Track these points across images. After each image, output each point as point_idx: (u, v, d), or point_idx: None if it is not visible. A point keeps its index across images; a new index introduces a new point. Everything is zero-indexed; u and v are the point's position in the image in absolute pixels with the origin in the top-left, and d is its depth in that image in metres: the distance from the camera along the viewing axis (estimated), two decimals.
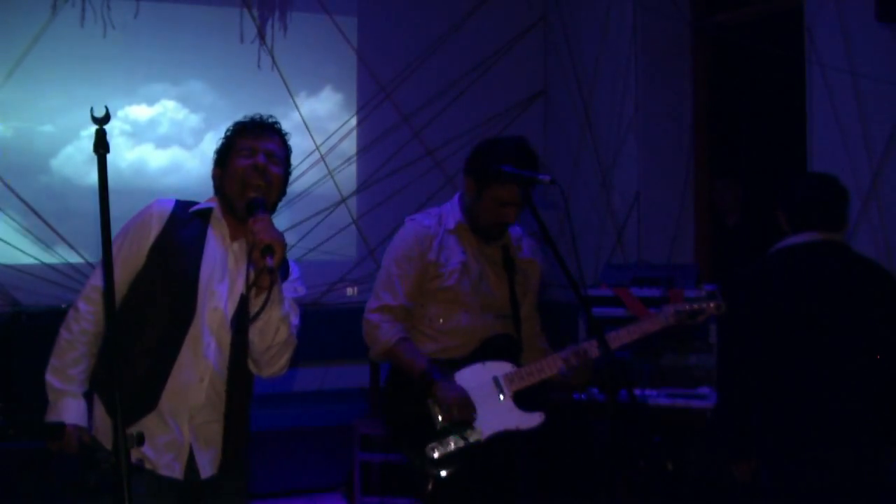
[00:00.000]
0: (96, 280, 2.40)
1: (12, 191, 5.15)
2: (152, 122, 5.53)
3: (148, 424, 2.28)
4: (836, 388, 3.04)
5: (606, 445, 3.99)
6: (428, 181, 5.92)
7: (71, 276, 5.14)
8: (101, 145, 1.70)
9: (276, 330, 2.34)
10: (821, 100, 4.36)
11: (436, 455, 2.82)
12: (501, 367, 2.92)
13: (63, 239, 5.16)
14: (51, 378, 2.37)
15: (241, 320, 2.39)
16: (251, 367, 2.43)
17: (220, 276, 2.42)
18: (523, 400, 2.94)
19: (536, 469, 4.37)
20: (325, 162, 5.88)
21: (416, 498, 3.14)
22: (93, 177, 1.65)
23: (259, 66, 5.70)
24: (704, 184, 5.61)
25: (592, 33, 5.85)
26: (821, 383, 3.05)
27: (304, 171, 5.72)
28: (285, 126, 2.56)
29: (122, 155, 5.37)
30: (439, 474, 2.83)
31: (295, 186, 5.70)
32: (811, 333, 3.09)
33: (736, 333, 3.16)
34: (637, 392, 3.89)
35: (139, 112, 5.51)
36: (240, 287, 2.41)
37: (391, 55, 6.00)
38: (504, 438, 2.89)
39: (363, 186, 6.01)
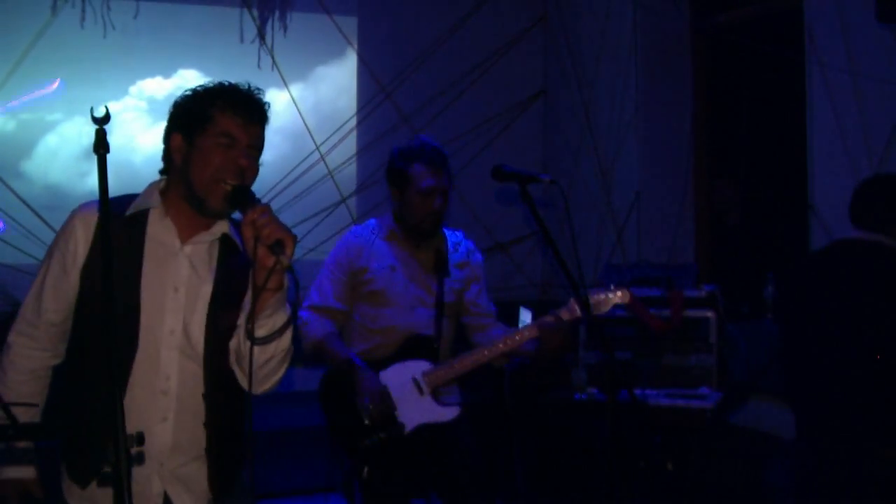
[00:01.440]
0: (28, 312, 2.12)
1: (12, 191, 5.15)
2: (150, 122, 5.55)
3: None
4: (831, 381, 3.11)
5: (606, 445, 3.99)
6: None
7: None
8: (101, 145, 1.68)
9: (280, 329, 2.00)
10: (821, 100, 4.35)
11: (367, 446, 3.00)
12: (420, 367, 3.09)
13: None
14: None
15: (215, 337, 2.05)
16: (242, 383, 2.04)
17: (173, 289, 2.04)
18: (442, 394, 3.14)
19: (536, 469, 4.37)
20: (325, 162, 5.87)
21: (416, 498, 3.17)
22: (93, 177, 1.64)
23: (259, 66, 5.70)
24: (704, 184, 5.61)
25: (592, 33, 5.85)
26: (817, 377, 3.17)
27: (305, 171, 5.72)
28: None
29: (131, 146, 5.39)
30: (372, 463, 3.01)
31: (295, 186, 5.70)
32: (813, 332, 3.16)
33: (780, 322, 3.47)
34: (637, 392, 3.89)
35: (137, 109, 5.52)
36: (204, 298, 2.05)
37: (391, 55, 6.00)
38: (433, 432, 3.06)
39: (363, 186, 6.00)
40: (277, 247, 1.84)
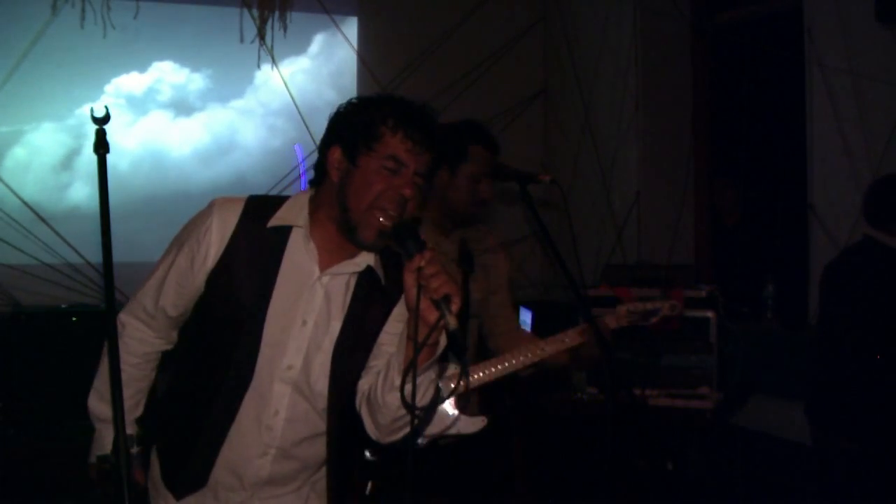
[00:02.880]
0: (146, 298, 1.95)
1: (12, 191, 5.15)
2: (150, 121, 5.55)
3: (201, 499, 1.92)
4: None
5: (606, 445, 4.00)
6: None
7: (71, 276, 5.14)
8: (101, 145, 1.66)
9: (424, 391, 1.79)
10: (821, 100, 4.36)
11: (373, 458, 2.71)
12: (442, 371, 2.78)
13: (63, 239, 5.16)
14: (92, 404, 2.00)
15: (338, 380, 1.90)
16: (371, 431, 1.92)
17: (302, 321, 1.86)
18: (473, 401, 2.83)
19: (536, 469, 4.36)
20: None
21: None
22: (93, 177, 1.63)
23: (259, 66, 5.71)
24: (704, 184, 5.62)
25: (592, 33, 5.85)
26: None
27: (305, 170, 5.72)
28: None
29: (123, 152, 5.39)
30: (378, 477, 2.72)
31: (295, 187, 5.70)
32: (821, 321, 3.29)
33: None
34: (637, 392, 3.88)
35: (137, 108, 5.52)
36: (332, 336, 1.88)
37: (391, 55, 6.00)
38: (452, 443, 2.78)
39: None
40: (444, 302, 1.63)
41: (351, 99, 1.89)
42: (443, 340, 1.75)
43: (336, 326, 1.88)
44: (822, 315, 3.43)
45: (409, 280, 1.68)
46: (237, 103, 5.73)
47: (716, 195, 5.48)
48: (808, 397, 3.46)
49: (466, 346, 2.33)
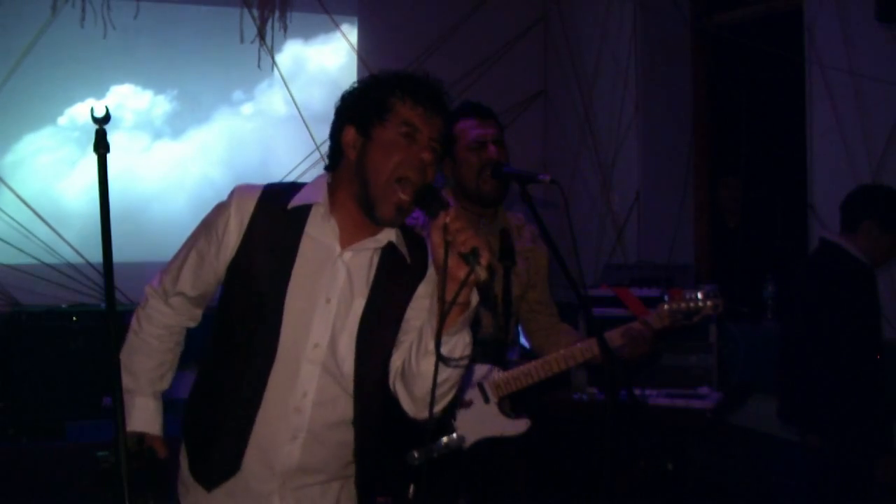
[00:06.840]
0: (168, 278, 1.95)
1: (12, 191, 5.15)
2: (151, 121, 5.54)
3: (232, 489, 1.87)
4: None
5: (606, 445, 4.00)
6: None
7: (71, 276, 5.14)
8: (102, 145, 1.66)
9: (462, 351, 1.77)
10: (821, 100, 4.36)
11: (417, 461, 2.67)
12: (486, 371, 2.76)
13: (63, 239, 5.16)
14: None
15: (365, 357, 1.86)
16: (407, 407, 1.87)
17: (325, 299, 1.83)
18: (510, 404, 2.82)
19: (536, 469, 4.36)
20: (325, 161, 5.86)
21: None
22: (93, 177, 1.62)
23: (259, 66, 5.70)
24: (704, 184, 5.62)
25: (592, 33, 5.85)
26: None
27: (305, 170, 5.71)
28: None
29: (120, 155, 5.38)
30: (420, 480, 2.66)
31: None
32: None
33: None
34: (637, 392, 3.89)
35: (138, 108, 5.52)
36: (356, 313, 1.84)
37: (391, 55, 5.99)
38: (491, 445, 2.76)
39: None
40: (473, 256, 1.60)
41: (355, 81, 1.95)
42: (474, 298, 1.70)
43: (360, 303, 1.85)
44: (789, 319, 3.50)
45: (437, 238, 1.65)
46: (236, 104, 5.73)
47: (721, 193, 5.47)
48: (779, 399, 3.50)
49: (496, 299, 2.23)
